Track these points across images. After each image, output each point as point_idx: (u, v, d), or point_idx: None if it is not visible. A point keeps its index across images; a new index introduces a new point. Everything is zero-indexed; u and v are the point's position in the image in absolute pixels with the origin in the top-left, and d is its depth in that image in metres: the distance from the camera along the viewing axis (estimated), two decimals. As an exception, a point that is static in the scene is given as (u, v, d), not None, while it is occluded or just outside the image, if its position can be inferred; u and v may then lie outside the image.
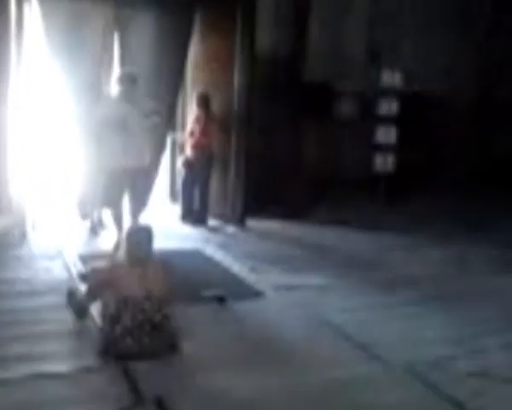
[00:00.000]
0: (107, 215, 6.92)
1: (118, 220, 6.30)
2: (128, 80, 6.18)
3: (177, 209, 8.08)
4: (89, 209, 7.11)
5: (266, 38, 9.16)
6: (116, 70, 7.06)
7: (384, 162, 8.92)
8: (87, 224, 7.15)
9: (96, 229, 7.07)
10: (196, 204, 7.86)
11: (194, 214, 7.83)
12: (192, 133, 7.76)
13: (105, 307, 3.98)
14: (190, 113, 8.13)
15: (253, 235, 7.46)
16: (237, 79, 7.57)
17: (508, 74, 11.57)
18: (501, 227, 8.26)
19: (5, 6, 6.24)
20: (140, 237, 4.06)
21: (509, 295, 5.62)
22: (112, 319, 3.84)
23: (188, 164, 7.83)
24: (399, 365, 4.01)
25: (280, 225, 8.01)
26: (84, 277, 5.10)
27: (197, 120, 7.76)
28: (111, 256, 5.84)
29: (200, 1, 7.64)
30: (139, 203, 6.42)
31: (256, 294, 5.34)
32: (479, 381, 3.85)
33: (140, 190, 6.39)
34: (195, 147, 7.71)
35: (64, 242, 6.52)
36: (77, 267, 5.69)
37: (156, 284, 3.92)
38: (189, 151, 7.80)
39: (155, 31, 7.30)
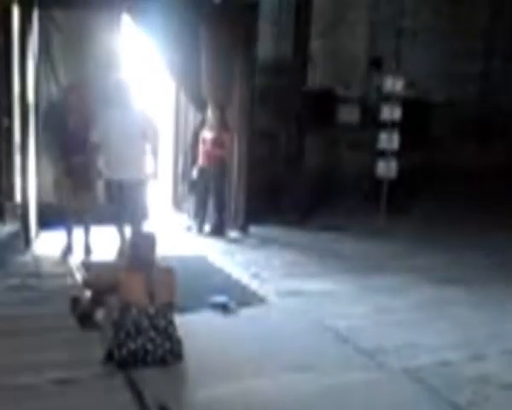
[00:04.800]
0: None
1: (121, 228, 6.29)
2: (121, 88, 6.15)
3: (181, 217, 7.98)
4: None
5: (269, 45, 9.20)
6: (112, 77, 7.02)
7: (387, 168, 8.91)
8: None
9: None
10: (212, 215, 7.69)
11: (211, 226, 7.70)
12: (204, 143, 7.56)
13: (108, 313, 3.99)
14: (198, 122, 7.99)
15: (255, 241, 7.47)
16: (239, 87, 7.58)
17: (509, 79, 11.58)
18: (501, 232, 8.25)
19: (9, 16, 6.28)
20: (143, 242, 4.08)
21: (508, 301, 5.63)
22: (115, 325, 3.84)
23: (201, 174, 7.62)
24: (400, 369, 4.02)
25: (282, 231, 8.01)
26: (87, 283, 5.10)
27: (210, 128, 7.54)
28: (115, 263, 5.87)
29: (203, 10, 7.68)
30: (139, 213, 6.36)
31: (259, 300, 5.35)
32: (480, 386, 3.85)
33: (139, 200, 6.32)
34: (208, 157, 7.54)
35: (68, 248, 6.52)
36: (81, 274, 5.71)
37: (160, 289, 3.92)
38: (201, 161, 7.60)
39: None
